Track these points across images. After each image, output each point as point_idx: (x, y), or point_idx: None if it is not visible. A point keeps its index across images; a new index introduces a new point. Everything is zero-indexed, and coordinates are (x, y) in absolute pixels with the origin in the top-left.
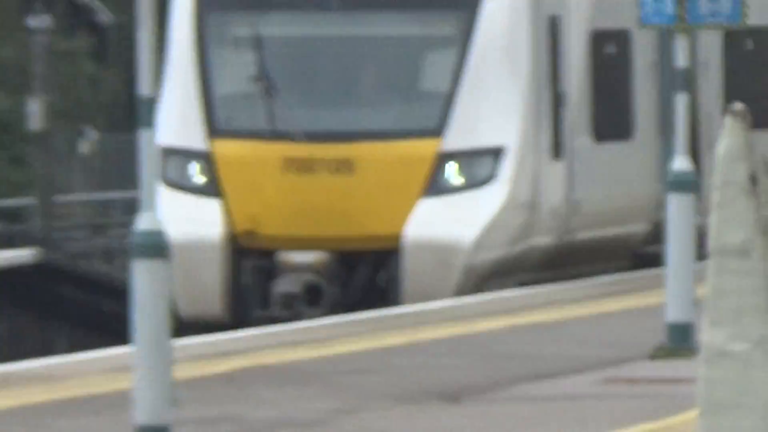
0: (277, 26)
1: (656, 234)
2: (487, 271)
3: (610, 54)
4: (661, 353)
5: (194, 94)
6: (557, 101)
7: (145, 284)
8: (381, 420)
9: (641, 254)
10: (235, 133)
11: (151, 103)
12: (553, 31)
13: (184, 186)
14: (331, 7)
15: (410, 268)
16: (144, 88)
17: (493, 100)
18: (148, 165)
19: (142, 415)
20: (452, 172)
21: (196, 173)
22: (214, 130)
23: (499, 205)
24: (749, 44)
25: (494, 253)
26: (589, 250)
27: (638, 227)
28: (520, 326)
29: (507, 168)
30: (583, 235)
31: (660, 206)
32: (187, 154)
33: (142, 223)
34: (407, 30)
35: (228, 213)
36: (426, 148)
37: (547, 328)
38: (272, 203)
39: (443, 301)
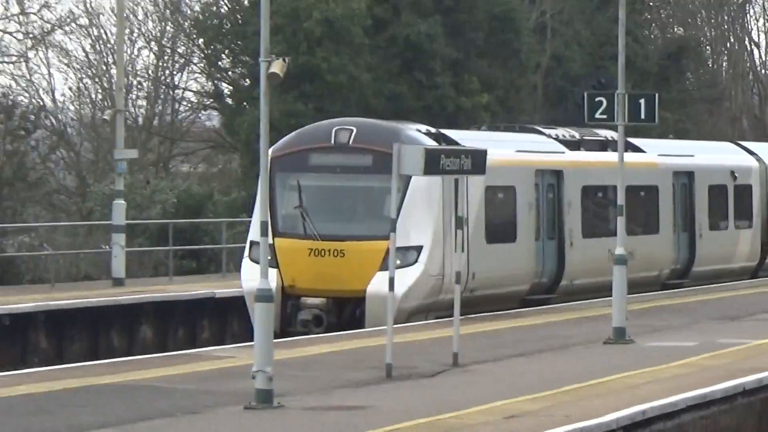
0: (309, 180)
1: (534, 290)
2: (410, 312)
3: (501, 198)
4: None
5: (267, 213)
6: (460, 221)
7: (620, 276)
8: (704, 326)
9: (526, 300)
10: (286, 234)
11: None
12: (458, 186)
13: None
14: (336, 171)
15: (369, 309)
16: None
17: (417, 221)
18: None
19: (615, 323)
20: (395, 259)
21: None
22: (276, 232)
23: (417, 276)
24: (599, 194)
25: (415, 302)
26: (485, 300)
27: (521, 288)
28: (758, 293)
29: (424, 256)
30: (480, 292)
31: (536, 275)
32: None
33: None
34: (374, 183)
35: (280, 276)
36: (382, 245)
37: (757, 296)
38: (302, 272)
39: (728, 283)
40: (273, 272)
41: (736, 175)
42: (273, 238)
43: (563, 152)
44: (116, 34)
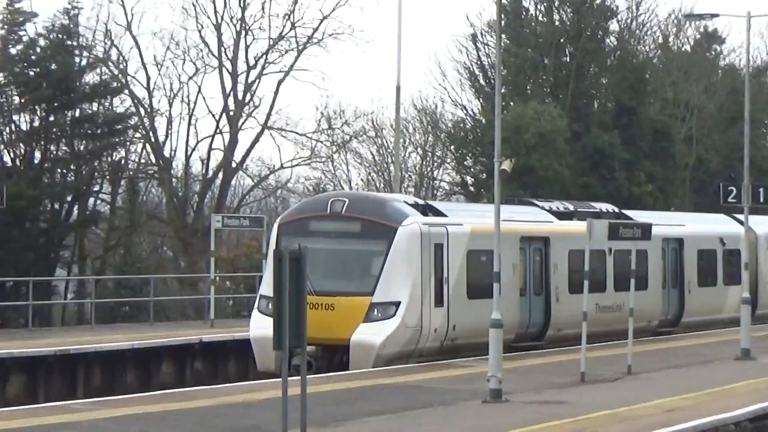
0: (308, 243)
1: (519, 338)
2: (387, 359)
3: (483, 260)
4: None
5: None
6: (441, 281)
7: (746, 312)
8: None
9: (513, 347)
10: None
11: None
12: (438, 250)
13: (266, 312)
14: (331, 236)
15: (353, 355)
16: None
17: (397, 280)
18: None
19: (743, 344)
20: (376, 312)
21: (270, 306)
22: None
23: (395, 327)
24: (583, 255)
25: (392, 350)
26: (467, 347)
27: (505, 337)
28: None
29: (401, 311)
30: (462, 341)
31: (520, 326)
32: (269, 298)
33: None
34: (361, 247)
35: None
36: (365, 300)
37: None
38: None
39: None
40: None
41: (725, 241)
42: None
43: (551, 221)
44: (393, 143)
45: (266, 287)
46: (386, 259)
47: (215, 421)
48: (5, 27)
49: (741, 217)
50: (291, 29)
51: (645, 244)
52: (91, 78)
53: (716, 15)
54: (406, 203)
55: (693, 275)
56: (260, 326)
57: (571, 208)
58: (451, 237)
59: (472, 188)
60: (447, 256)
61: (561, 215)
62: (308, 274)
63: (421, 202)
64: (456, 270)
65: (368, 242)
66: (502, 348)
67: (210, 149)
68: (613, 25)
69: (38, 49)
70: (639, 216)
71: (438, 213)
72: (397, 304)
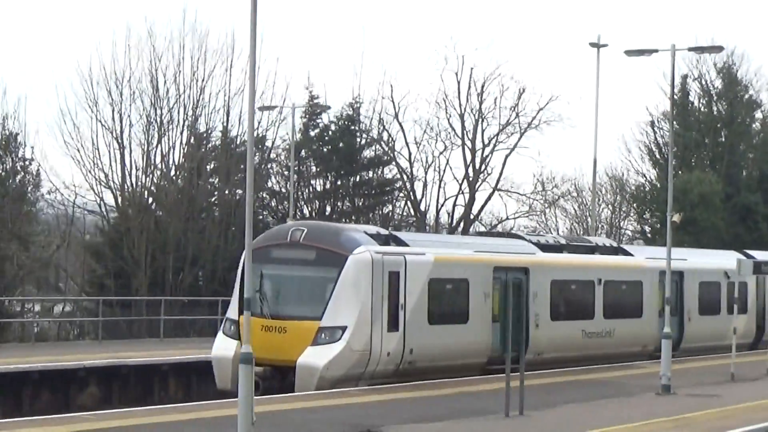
0: (269, 270)
1: (491, 363)
2: (332, 381)
3: (449, 288)
4: None
5: (237, 297)
6: (397, 307)
7: None
8: None
9: (486, 370)
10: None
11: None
12: (394, 278)
13: (228, 334)
14: (289, 263)
15: (298, 376)
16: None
17: (345, 305)
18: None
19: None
20: (323, 336)
21: (232, 329)
22: (242, 311)
23: (339, 351)
24: (572, 286)
25: (336, 373)
26: (434, 371)
27: (476, 360)
28: None
29: (347, 335)
30: (421, 364)
31: (491, 350)
32: (232, 321)
33: None
34: (313, 273)
35: (239, 346)
36: (314, 324)
37: None
38: (255, 344)
39: None
40: (234, 343)
41: (729, 274)
42: (239, 316)
43: (533, 253)
44: (591, 201)
45: (232, 311)
46: (336, 285)
47: (453, 404)
48: (307, 116)
49: (753, 252)
50: (515, 117)
51: (640, 275)
52: (368, 153)
53: None
54: (366, 233)
55: (693, 305)
56: (221, 347)
57: (563, 242)
58: (409, 265)
59: (649, 235)
60: (405, 283)
61: (547, 248)
62: (265, 298)
63: (384, 232)
64: (415, 296)
65: (321, 269)
66: (477, 371)
67: (454, 205)
68: (758, 114)
69: (330, 132)
70: (639, 251)
71: (401, 243)
72: (344, 328)
